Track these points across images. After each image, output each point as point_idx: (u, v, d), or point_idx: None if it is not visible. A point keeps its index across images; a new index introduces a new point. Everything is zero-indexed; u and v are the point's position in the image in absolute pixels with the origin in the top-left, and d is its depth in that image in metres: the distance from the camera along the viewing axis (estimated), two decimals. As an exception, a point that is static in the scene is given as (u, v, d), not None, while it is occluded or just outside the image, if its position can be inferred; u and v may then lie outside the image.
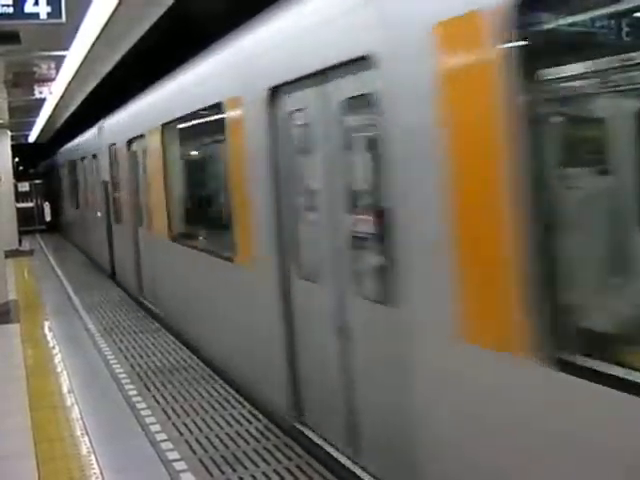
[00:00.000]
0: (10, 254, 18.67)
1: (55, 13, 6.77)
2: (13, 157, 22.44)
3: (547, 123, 2.93)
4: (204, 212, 8.41)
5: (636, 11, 2.77)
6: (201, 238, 8.24)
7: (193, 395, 6.50)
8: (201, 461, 5.05)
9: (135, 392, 6.70)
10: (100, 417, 6.10)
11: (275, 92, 5.18)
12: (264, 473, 4.78)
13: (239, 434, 5.49)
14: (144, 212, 10.56)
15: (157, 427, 5.75)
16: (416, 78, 3.48)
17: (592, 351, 2.71)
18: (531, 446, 2.88)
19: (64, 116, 19.75)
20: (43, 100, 15.75)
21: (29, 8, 6.73)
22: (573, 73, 2.87)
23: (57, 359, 8.11)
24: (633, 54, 2.70)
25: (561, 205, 2.91)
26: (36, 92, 14.22)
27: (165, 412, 6.10)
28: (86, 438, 5.59)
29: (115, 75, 12.07)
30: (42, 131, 24.06)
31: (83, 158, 17.48)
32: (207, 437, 5.48)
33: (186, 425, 5.76)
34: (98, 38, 9.14)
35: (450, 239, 3.27)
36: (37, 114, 19.18)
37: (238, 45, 6.11)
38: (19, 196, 25.52)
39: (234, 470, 4.87)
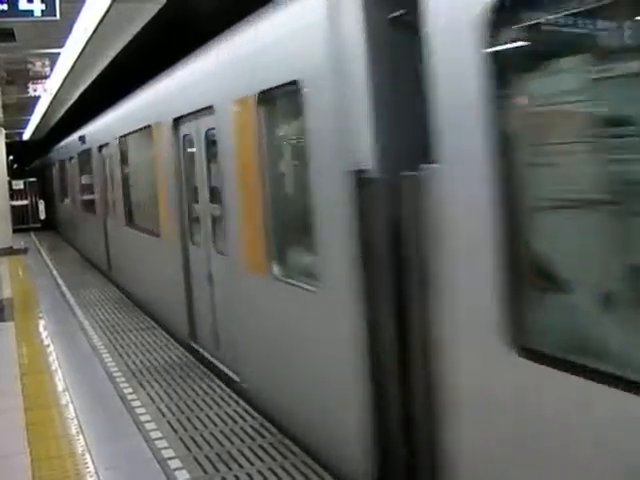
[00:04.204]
0: (4, 252, 18.68)
1: (49, 10, 6.76)
2: (7, 155, 22.38)
3: None
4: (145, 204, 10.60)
5: None
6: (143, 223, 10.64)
7: (188, 393, 6.50)
8: (196, 459, 5.05)
9: (130, 390, 6.69)
10: (95, 415, 6.09)
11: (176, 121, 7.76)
12: (259, 471, 4.78)
13: (234, 432, 5.49)
14: (111, 206, 13.11)
15: (152, 425, 5.74)
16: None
17: None
18: None
19: (59, 114, 19.68)
20: (37, 98, 15.71)
21: (23, 5, 6.71)
22: None
23: (52, 357, 8.09)
24: None
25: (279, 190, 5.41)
26: (30, 90, 14.18)
27: (160, 410, 6.10)
28: (81, 437, 5.58)
29: (110, 73, 12.03)
30: (37, 129, 23.99)
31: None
32: (202, 435, 5.49)
33: (181, 423, 5.76)
34: (93, 35, 9.12)
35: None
36: (32, 112, 19.13)
37: (161, 84, 8.59)
38: (13, 194, 25.46)
39: (229, 468, 4.87)
